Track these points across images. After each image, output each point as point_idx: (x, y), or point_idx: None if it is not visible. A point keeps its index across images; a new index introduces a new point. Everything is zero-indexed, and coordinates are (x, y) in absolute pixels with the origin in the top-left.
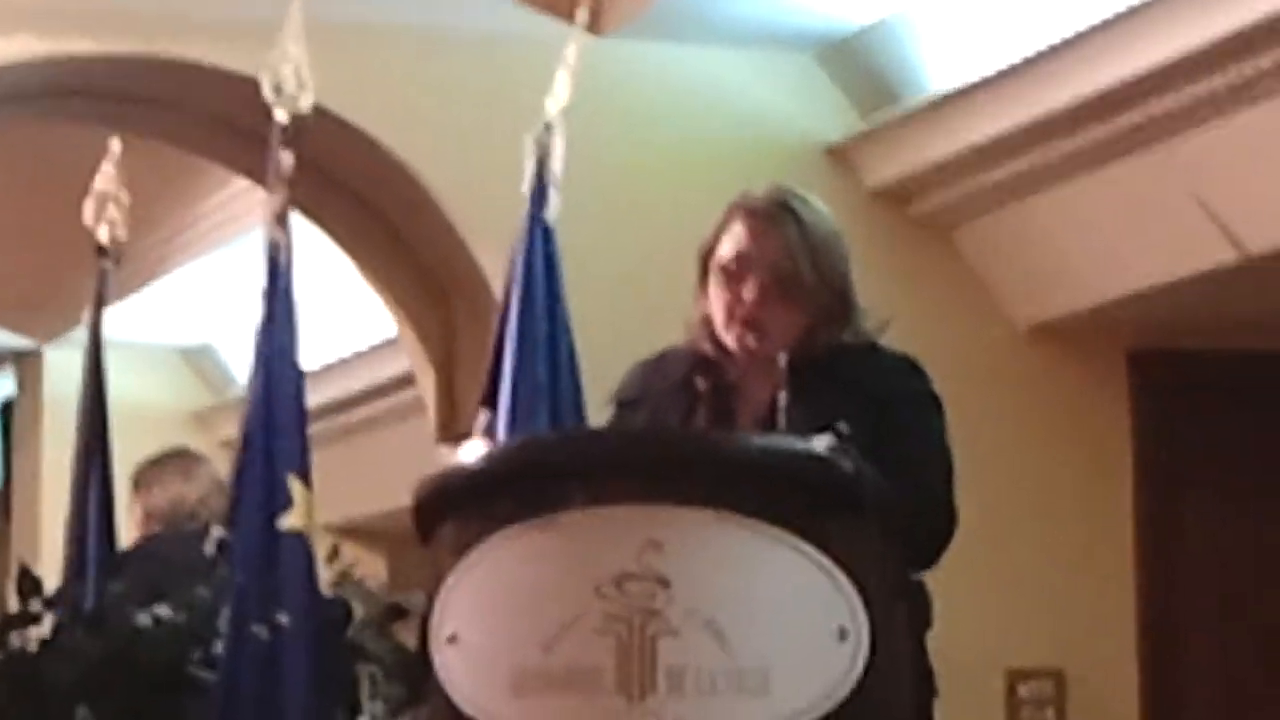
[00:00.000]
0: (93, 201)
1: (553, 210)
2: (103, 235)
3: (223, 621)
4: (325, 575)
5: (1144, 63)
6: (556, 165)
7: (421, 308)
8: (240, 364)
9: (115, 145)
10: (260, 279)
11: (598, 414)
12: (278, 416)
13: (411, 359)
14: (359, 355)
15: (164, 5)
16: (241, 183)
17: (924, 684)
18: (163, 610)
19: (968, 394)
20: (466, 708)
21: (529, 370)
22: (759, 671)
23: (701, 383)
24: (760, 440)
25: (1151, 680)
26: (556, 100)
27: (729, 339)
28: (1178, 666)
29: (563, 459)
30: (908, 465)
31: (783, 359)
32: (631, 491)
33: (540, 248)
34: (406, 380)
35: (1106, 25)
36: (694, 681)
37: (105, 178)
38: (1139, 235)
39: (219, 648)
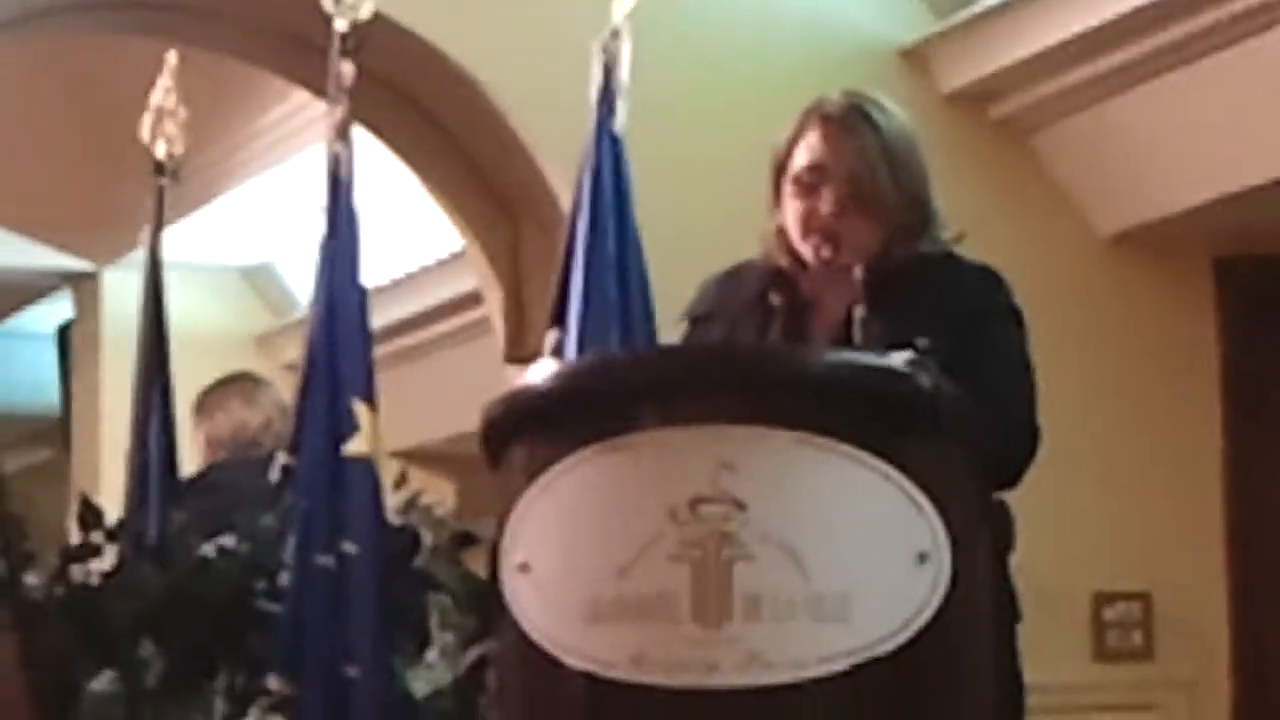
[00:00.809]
0: (149, 117)
1: (621, 120)
2: (160, 152)
3: (288, 552)
4: (392, 502)
5: None
6: (624, 73)
7: (487, 223)
8: (303, 284)
9: (172, 58)
10: (322, 195)
11: (669, 331)
12: (341, 338)
13: (478, 276)
14: (424, 272)
15: None
16: (302, 96)
17: (1007, 608)
18: (227, 541)
19: (1049, 305)
20: (538, 637)
21: (598, 287)
22: (838, 597)
23: (776, 297)
24: (836, 356)
25: (1241, 603)
26: (622, 5)
27: (805, 251)
28: (1269, 586)
29: (633, 378)
30: (988, 381)
31: (859, 272)
32: (704, 412)
33: (609, 159)
34: (473, 298)
35: None
36: (771, 608)
37: (162, 92)
38: (1226, 137)
39: (284, 579)
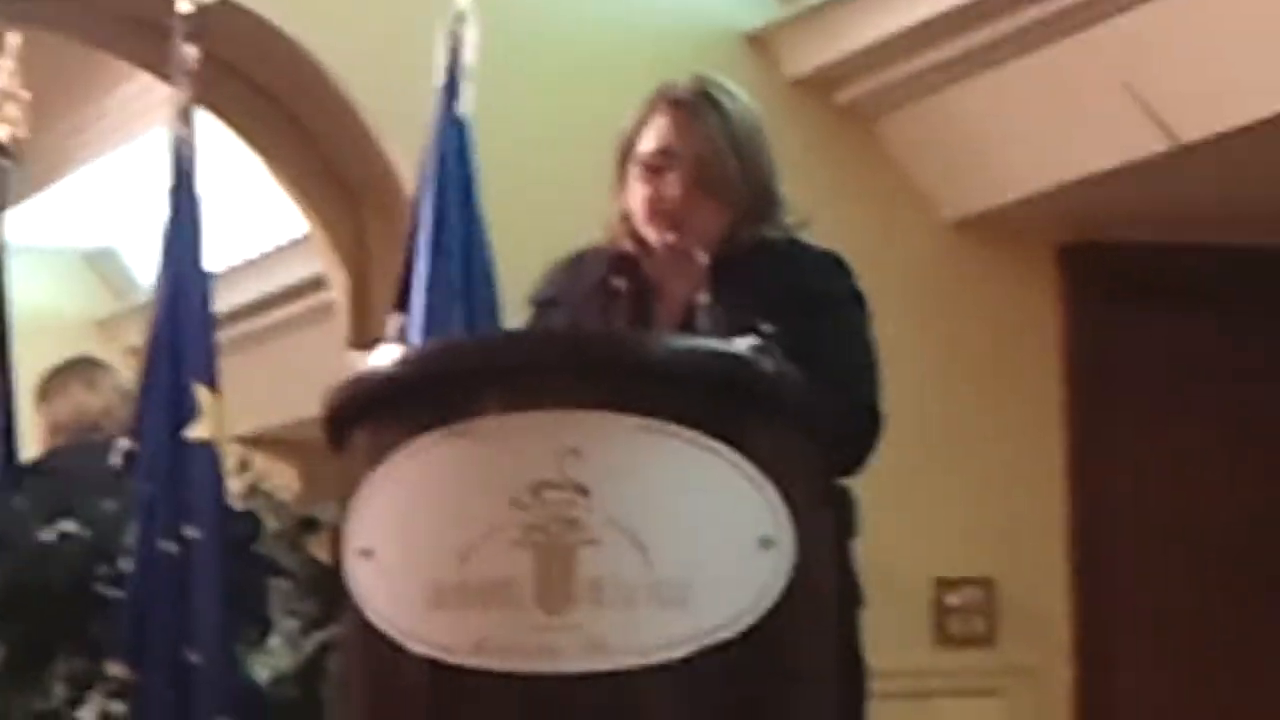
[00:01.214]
0: None
1: (466, 104)
2: (2, 134)
3: (129, 537)
4: (235, 487)
5: None
6: (469, 56)
7: (332, 207)
8: (145, 268)
9: (13, 40)
10: (165, 178)
11: (514, 316)
12: (184, 322)
13: (322, 261)
14: (267, 257)
15: None
16: (145, 78)
17: (850, 593)
18: (68, 526)
19: (893, 291)
20: (381, 623)
21: (443, 271)
22: (680, 583)
23: (620, 282)
24: (679, 342)
25: (1081, 588)
26: None
27: (649, 235)
28: (1107, 572)
29: (477, 363)
30: (832, 366)
31: (703, 257)
32: (549, 397)
33: (454, 143)
34: (317, 283)
35: None
36: (613, 593)
37: (4, 74)
38: (1067, 125)
39: (126, 564)
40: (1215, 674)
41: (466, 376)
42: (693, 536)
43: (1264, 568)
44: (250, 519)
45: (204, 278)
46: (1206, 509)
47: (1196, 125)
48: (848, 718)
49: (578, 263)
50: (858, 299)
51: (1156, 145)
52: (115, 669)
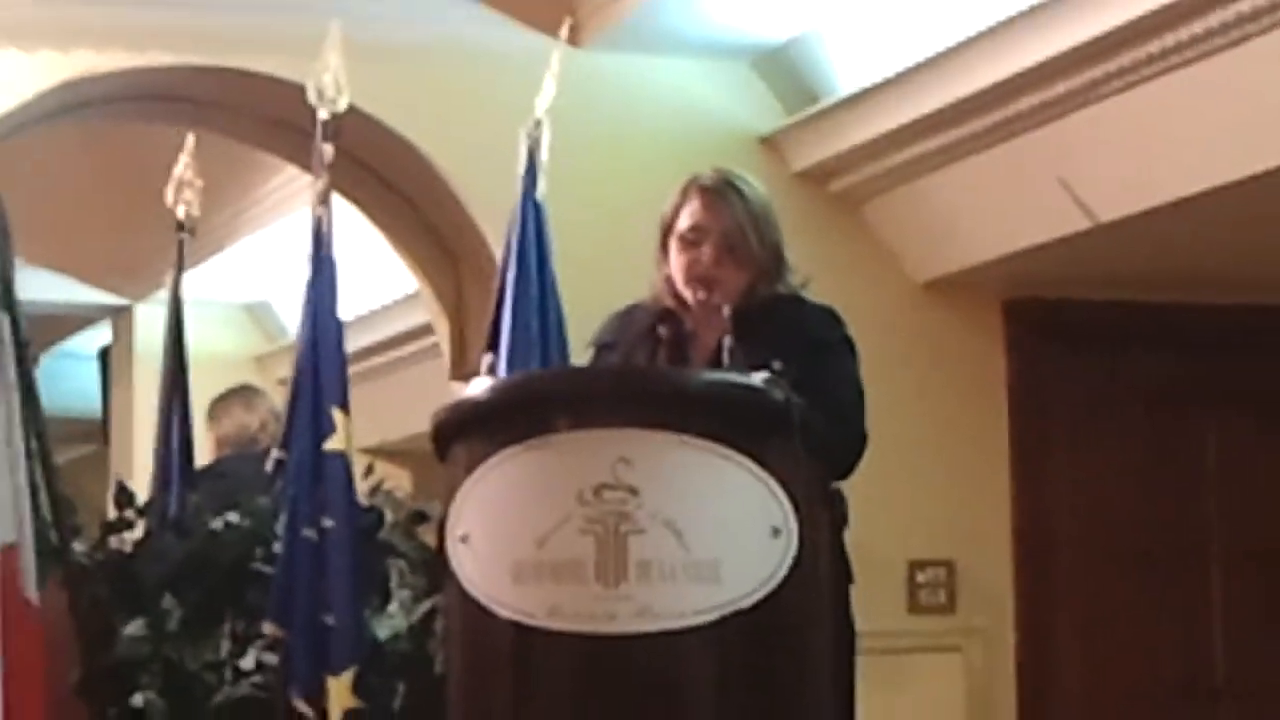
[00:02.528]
0: (173, 186)
1: (541, 189)
2: (180, 213)
3: (280, 526)
4: (362, 488)
5: (1015, 66)
6: (544, 153)
7: (437, 270)
8: (292, 316)
9: (190, 140)
10: (307, 247)
11: (579, 355)
12: (323, 359)
13: (429, 311)
14: (387, 308)
15: (227, 23)
16: (292, 170)
17: (842, 572)
18: (232, 517)
19: (874, 337)
20: (476, 594)
21: (523, 320)
22: (711, 563)
23: (663, 330)
24: (709, 375)
25: (1024, 569)
26: (544, 100)
27: (686, 294)
28: (1044, 557)
29: (551, 391)
30: (828, 397)
31: (727, 310)
32: (607, 417)
33: (532, 219)
34: (425, 329)
35: (983, 35)
36: (658, 571)
37: (182, 166)
38: (1012, 207)
39: (277, 547)
40: (1126, 637)
41: (542, 402)
42: (720, 527)
43: (1165, 557)
44: (374, 513)
45: (338, 324)
46: (1122, 510)
47: (1113, 208)
48: (840, 670)
49: (629, 314)
50: (848, 343)
51: (1082, 224)
52: (269, 628)
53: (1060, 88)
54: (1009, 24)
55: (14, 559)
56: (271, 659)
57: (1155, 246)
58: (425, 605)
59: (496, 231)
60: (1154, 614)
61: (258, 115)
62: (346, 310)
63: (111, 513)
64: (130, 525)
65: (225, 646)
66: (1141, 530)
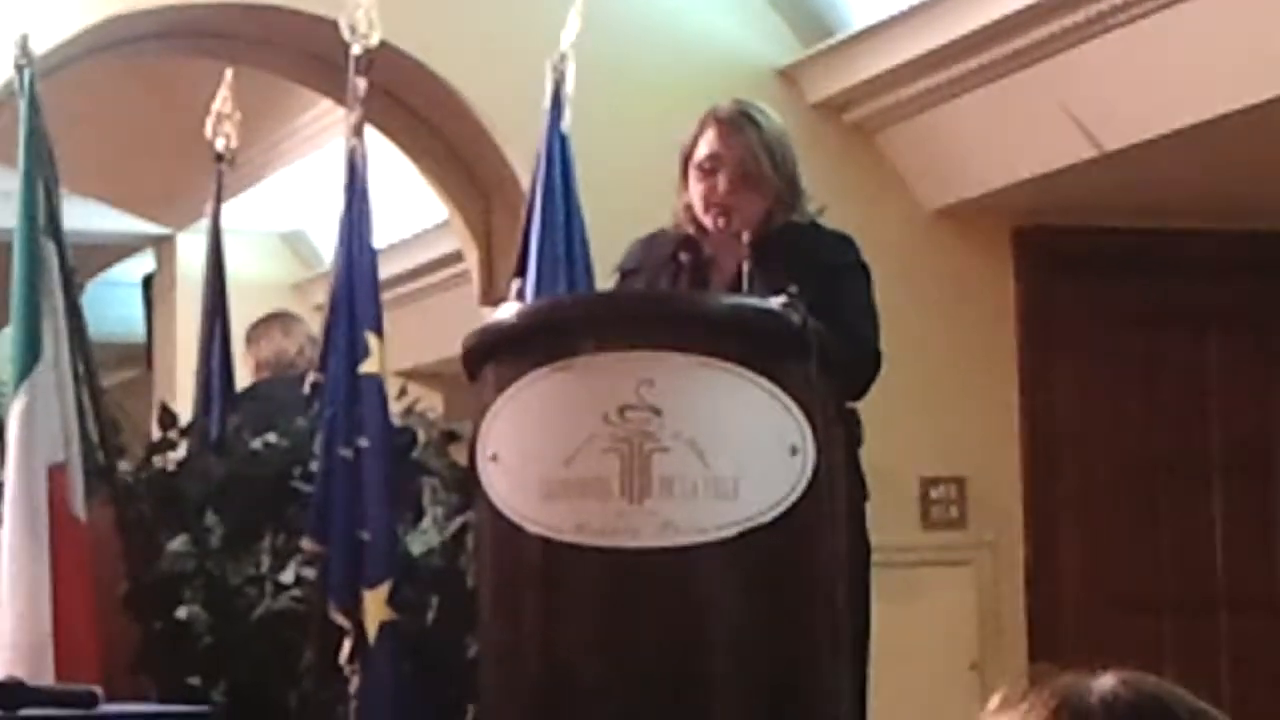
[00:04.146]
0: (212, 118)
1: (567, 121)
2: (220, 145)
3: (317, 446)
4: (395, 409)
5: (1023, 0)
6: (569, 86)
7: (466, 199)
8: (327, 245)
9: (228, 74)
10: (342, 177)
11: (605, 281)
12: (357, 285)
13: (459, 239)
14: (418, 236)
15: None
16: (327, 103)
17: (857, 489)
18: (271, 437)
19: (888, 262)
20: (506, 511)
21: (550, 247)
22: (731, 480)
23: (684, 256)
24: (729, 299)
25: (1032, 486)
26: (569, 35)
27: (706, 221)
28: (1052, 474)
29: (577, 316)
30: (843, 319)
31: (746, 236)
32: (631, 340)
33: (558, 151)
34: (456, 256)
35: None
36: (680, 487)
37: (221, 99)
38: (1021, 136)
39: (314, 466)
40: (1128, 549)
41: (568, 326)
42: (739, 445)
43: (1168, 472)
44: (407, 432)
45: (372, 251)
46: (1127, 428)
47: (1118, 137)
48: (856, 583)
49: (652, 241)
50: (863, 268)
51: (1088, 152)
52: (307, 544)
53: (1067, 20)
54: None
55: (63, 478)
56: (310, 573)
57: (1160, 174)
58: (457, 522)
59: (524, 162)
60: (1158, 527)
61: (294, 50)
62: (379, 238)
63: (155, 433)
64: (173, 445)
65: (265, 561)
66: (1146, 447)
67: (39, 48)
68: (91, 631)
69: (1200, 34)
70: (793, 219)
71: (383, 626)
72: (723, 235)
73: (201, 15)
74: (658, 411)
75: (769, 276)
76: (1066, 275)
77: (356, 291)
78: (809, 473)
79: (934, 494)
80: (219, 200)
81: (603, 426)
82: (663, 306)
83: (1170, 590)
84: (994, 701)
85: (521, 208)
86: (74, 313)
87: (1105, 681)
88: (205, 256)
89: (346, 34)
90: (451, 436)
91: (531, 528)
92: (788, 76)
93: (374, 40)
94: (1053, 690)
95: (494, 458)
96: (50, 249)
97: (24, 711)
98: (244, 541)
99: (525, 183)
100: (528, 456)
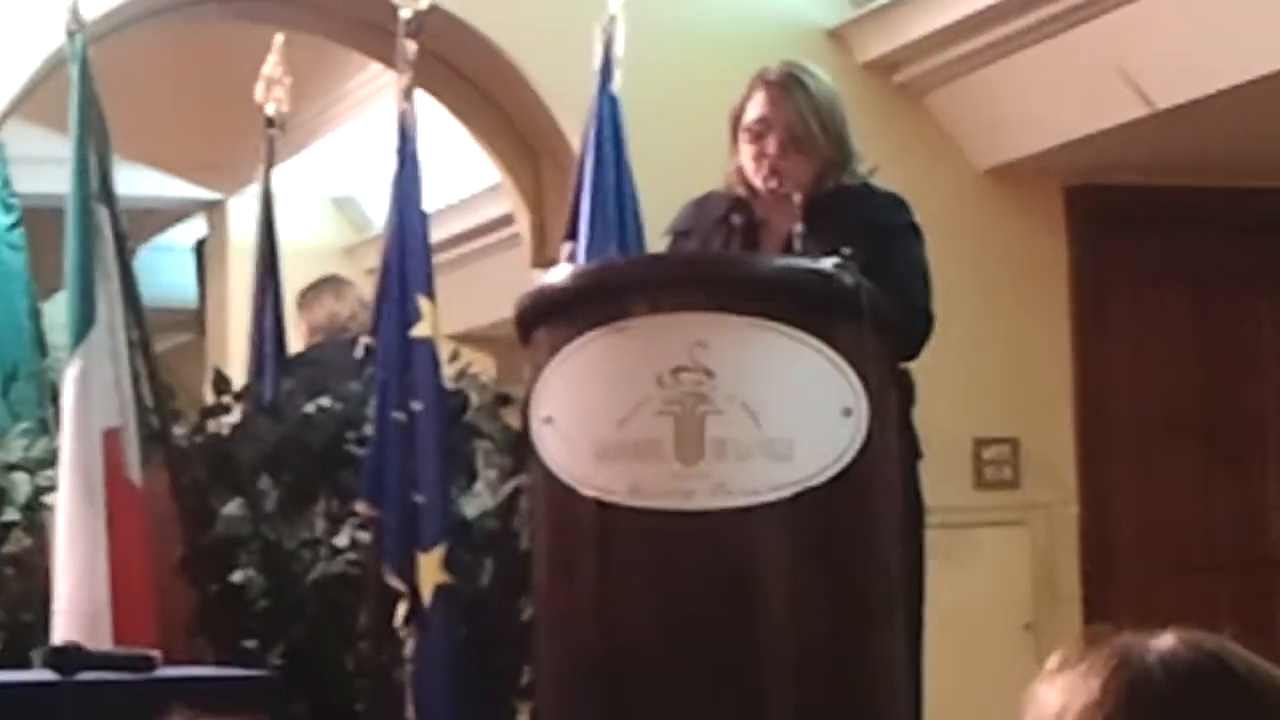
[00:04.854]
0: (262, 83)
1: (617, 83)
2: (270, 109)
3: (370, 409)
4: (448, 372)
5: None
6: (619, 48)
7: (518, 162)
8: (379, 209)
9: (279, 39)
10: (392, 141)
11: (656, 243)
12: (409, 248)
13: (510, 202)
14: (470, 199)
15: None
16: (376, 66)
17: (910, 450)
18: (324, 401)
19: (939, 223)
20: (559, 473)
21: (601, 209)
22: (784, 441)
23: (736, 218)
24: (782, 261)
25: (1085, 446)
26: None
27: (757, 183)
28: (1105, 434)
29: (629, 278)
30: (896, 280)
31: (798, 198)
32: (683, 302)
33: (608, 113)
34: (507, 219)
35: None
36: (734, 449)
37: (271, 64)
38: (1072, 95)
39: (368, 430)
40: (1182, 508)
41: (620, 288)
42: (793, 407)
43: (1221, 431)
44: (460, 396)
45: (423, 215)
46: (1180, 387)
47: (1170, 95)
48: (910, 543)
49: (703, 203)
50: (915, 229)
51: (1139, 111)
52: (361, 507)
53: None
54: None
55: (118, 442)
56: (364, 537)
57: (1211, 132)
58: (510, 484)
59: (574, 125)
60: (1212, 487)
61: (344, 14)
62: (430, 202)
63: (209, 398)
64: (227, 410)
65: (320, 525)
66: (1198, 406)
67: (90, 13)
68: (148, 596)
69: None
70: (844, 180)
71: (437, 590)
72: (774, 197)
73: None
74: (710, 373)
75: (820, 238)
76: (1119, 235)
77: (408, 255)
78: (862, 434)
79: (987, 454)
80: (270, 165)
81: (656, 389)
82: (715, 268)
83: (1225, 549)
84: (1053, 661)
85: (572, 170)
86: (127, 278)
87: (1164, 640)
88: (256, 221)
89: None
90: (504, 399)
91: (585, 490)
92: (838, 37)
93: (423, 3)
94: (1112, 650)
95: (547, 420)
96: (103, 214)
97: (83, 675)
98: (298, 505)
99: (576, 145)
100: (581, 419)
